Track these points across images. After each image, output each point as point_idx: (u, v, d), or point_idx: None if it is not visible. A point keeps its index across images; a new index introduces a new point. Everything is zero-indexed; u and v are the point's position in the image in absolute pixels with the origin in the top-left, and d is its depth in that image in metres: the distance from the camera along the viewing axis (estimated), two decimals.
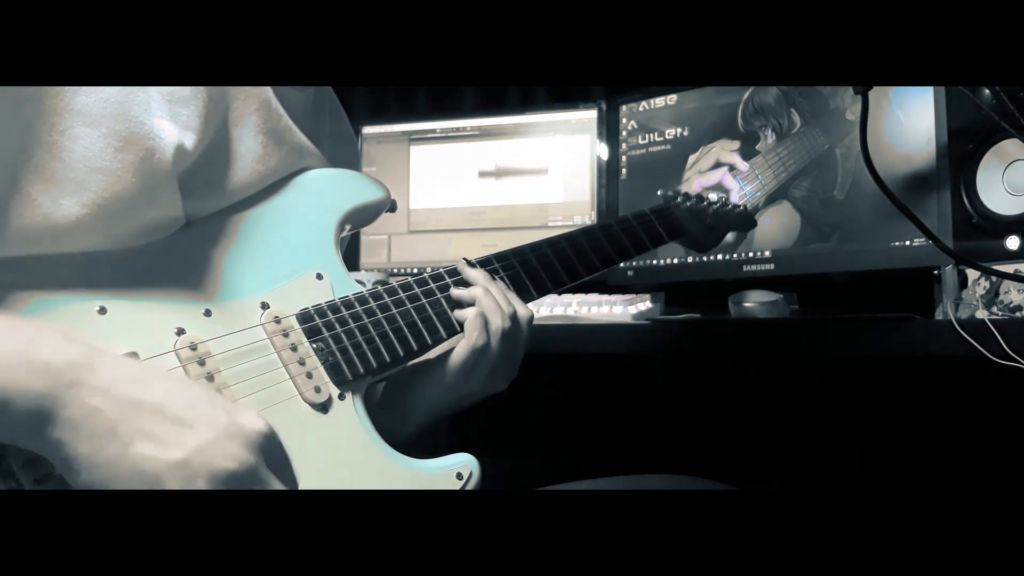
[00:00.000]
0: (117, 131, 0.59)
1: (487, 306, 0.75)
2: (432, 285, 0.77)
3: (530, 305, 0.98)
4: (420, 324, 0.74)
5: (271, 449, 0.58)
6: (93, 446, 0.52)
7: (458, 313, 0.76)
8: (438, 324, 0.75)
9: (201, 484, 0.53)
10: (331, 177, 0.77)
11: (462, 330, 0.76)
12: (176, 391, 0.56)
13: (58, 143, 0.58)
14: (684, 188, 1.35)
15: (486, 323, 0.75)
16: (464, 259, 0.80)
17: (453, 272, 0.79)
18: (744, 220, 1.09)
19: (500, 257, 0.82)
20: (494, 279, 0.79)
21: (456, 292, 0.77)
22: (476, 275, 0.78)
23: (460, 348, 0.75)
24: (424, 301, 0.75)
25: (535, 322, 0.81)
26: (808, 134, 1.23)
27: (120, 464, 0.52)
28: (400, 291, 0.75)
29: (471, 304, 0.76)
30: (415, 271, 1.60)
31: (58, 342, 0.54)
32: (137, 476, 0.52)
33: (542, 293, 0.84)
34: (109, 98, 0.59)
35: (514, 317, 0.77)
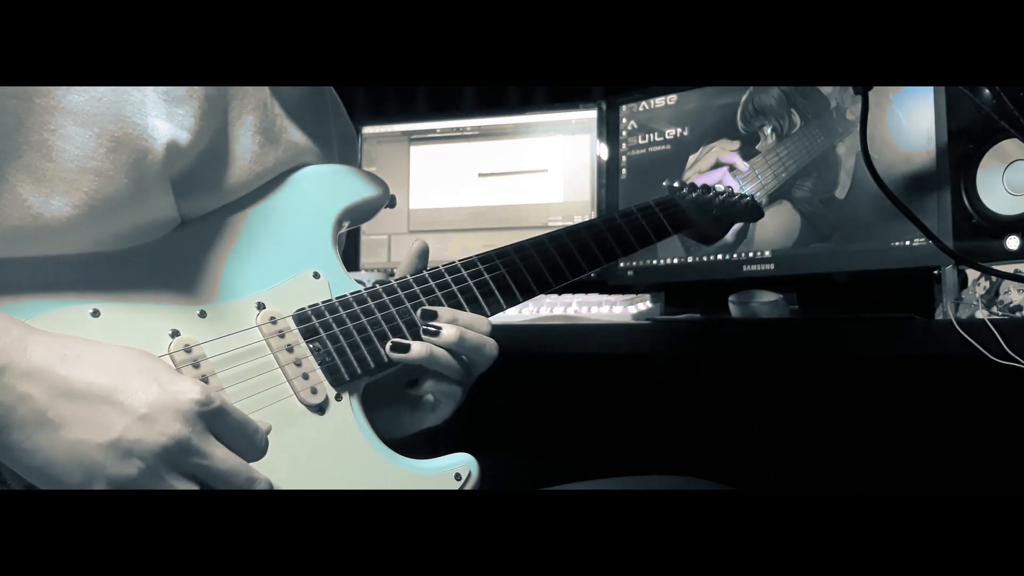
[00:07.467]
0: (110, 131, 0.59)
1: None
2: (432, 283, 0.76)
3: (530, 304, 0.96)
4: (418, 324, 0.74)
5: (211, 416, 0.56)
6: (25, 433, 0.51)
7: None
8: None
9: (137, 463, 0.52)
10: (327, 174, 0.76)
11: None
12: (111, 368, 0.54)
13: (49, 142, 0.57)
14: None
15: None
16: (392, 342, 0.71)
17: (453, 269, 0.78)
18: (751, 210, 1.07)
19: (501, 254, 0.81)
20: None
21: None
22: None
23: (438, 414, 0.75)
24: (423, 299, 0.75)
25: (535, 323, 0.81)
26: (808, 134, 1.23)
27: (54, 450, 0.51)
28: (399, 290, 0.74)
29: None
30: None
31: None
32: (72, 460, 0.51)
33: (543, 289, 0.83)
34: (102, 97, 0.59)
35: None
